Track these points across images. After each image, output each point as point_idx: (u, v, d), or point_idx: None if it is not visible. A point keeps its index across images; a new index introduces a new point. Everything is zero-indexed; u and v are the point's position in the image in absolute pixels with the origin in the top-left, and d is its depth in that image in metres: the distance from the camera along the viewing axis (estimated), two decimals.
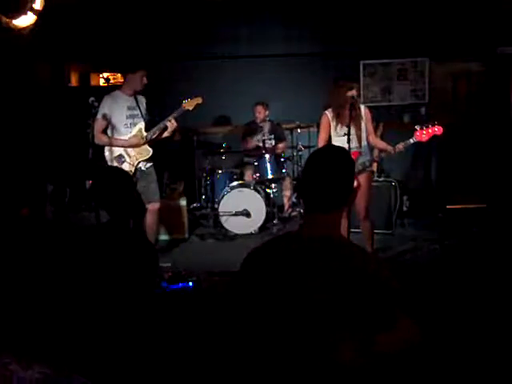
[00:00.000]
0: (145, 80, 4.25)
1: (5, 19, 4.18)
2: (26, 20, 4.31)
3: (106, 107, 4.22)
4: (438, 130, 3.79)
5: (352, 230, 3.88)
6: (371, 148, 4.18)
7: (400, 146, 3.87)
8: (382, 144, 4.09)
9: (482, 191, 6.30)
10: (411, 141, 3.83)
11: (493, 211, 5.92)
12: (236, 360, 1.44)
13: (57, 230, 5.02)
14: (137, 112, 4.30)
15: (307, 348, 1.30)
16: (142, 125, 4.29)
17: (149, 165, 4.39)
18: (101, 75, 6.96)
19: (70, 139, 5.92)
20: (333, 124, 4.05)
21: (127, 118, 4.27)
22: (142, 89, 4.30)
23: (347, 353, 1.27)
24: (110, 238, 2.32)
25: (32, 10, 4.29)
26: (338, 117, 4.02)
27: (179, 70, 6.65)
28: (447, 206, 6.21)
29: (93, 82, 6.96)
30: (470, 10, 6.28)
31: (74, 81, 6.83)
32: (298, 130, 6.07)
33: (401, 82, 6.80)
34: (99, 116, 4.18)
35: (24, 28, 4.35)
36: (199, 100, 4.36)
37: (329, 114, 4.08)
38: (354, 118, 3.94)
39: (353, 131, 3.93)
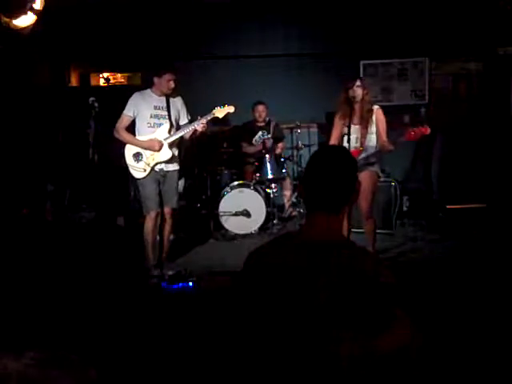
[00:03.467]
0: (171, 84, 4.18)
1: (5, 19, 4.17)
2: (25, 20, 4.30)
3: (133, 104, 4.21)
4: (424, 130, 3.85)
5: (353, 230, 3.89)
6: (378, 149, 4.15)
7: (392, 143, 3.95)
8: (386, 147, 4.06)
9: (482, 191, 6.30)
10: (402, 139, 3.91)
11: (493, 211, 5.92)
12: (237, 359, 1.45)
13: (57, 230, 5.02)
14: (164, 113, 4.24)
15: (307, 349, 1.31)
16: (166, 126, 4.23)
17: (171, 168, 4.33)
18: (101, 75, 6.97)
19: (70, 139, 5.92)
20: (340, 123, 4.11)
21: (152, 117, 4.21)
22: (168, 92, 4.23)
23: (347, 353, 1.27)
24: (96, 235, 2.33)
25: (32, 9, 4.28)
26: (344, 116, 4.06)
27: (179, 70, 6.63)
28: (447, 206, 6.21)
29: (93, 82, 6.97)
30: (469, 10, 6.27)
31: (74, 81, 6.83)
32: (298, 130, 6.07)
33: (401, 82, 6.80)
34: (125, 112, 4.19)
35: (24, 28, 4.34)
36: (231, 109, 4.31)
37: (340, 113, 4.13)
38: (359, 118, 4.01)
39: (357, 130, 4.00)
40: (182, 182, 5.89)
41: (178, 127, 4.33)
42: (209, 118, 4.25)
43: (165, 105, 4.25)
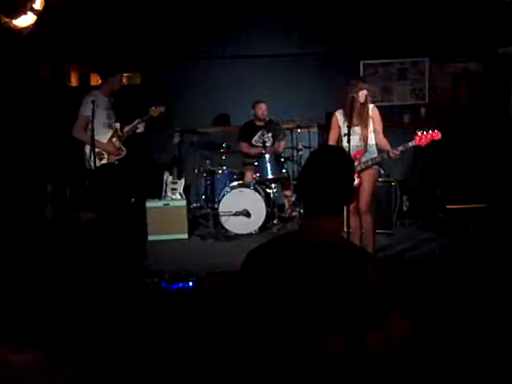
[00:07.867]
0: (124, 81, 4.68)
1: (5, 19, 4.17)
2: (25, 20, 4.30)
3: (89, 106, 4.44)
4: (435, 135, 3.85)
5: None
6: (379, 148, 4.19)
7: (399, 149, 3.91)
8: (383, 143, 4.11)
9: (482, 191, 6.29)
10: (410, 144, 3.90)
11: (493, 211, 5.91)
12: (235, 359, 1.45)
13: (57, 230, 5.02)
14: (113, 112, 4.67)
15: (302, 347, 1.31)
16: (117, 125, 4.68)
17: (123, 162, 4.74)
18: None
19: (70, 139, 5.91)
20: (342, 124, 4.14)
21: (105, 117, 4.58)
22: (117, 89, 4.65)
23: (340, 352, 1.27)
24: (95, 235, 2.34)
25: (32, 9, 4.28)
26: (345, 116, 4.09)
27: (179, 70, 6.65)
28: (447, 206, 6.21)
29: (93, 82, 6.96)
30: (470, 10, 6.27)
31: (73, 81, 6.83)
32: (298, 130, 6.06)
33: (401, 82, 6.80)
34: (84, 113, 4.49)
35: (24, 28, 4.34)
36: (162, 109, 4.86)
37: (338, 114, 4.18)
38: (359, 118, 4.05)
39: (358, 130, 4.05)
40: (181, 182, 5.89)
41: None
42: (146, 119, 4.76)
43: (111, 105, 4.67)
